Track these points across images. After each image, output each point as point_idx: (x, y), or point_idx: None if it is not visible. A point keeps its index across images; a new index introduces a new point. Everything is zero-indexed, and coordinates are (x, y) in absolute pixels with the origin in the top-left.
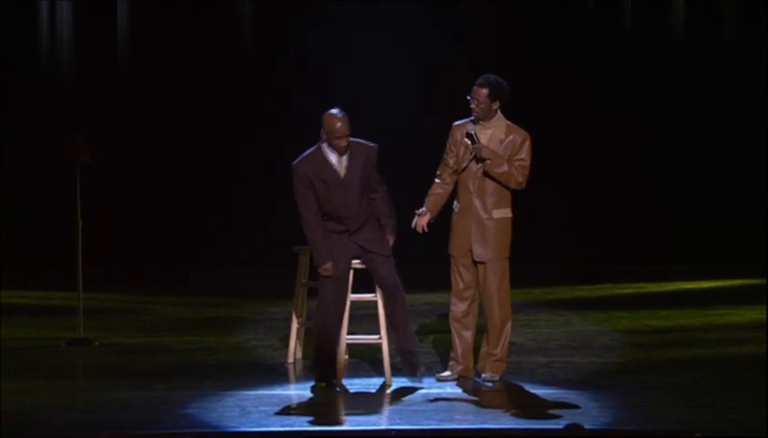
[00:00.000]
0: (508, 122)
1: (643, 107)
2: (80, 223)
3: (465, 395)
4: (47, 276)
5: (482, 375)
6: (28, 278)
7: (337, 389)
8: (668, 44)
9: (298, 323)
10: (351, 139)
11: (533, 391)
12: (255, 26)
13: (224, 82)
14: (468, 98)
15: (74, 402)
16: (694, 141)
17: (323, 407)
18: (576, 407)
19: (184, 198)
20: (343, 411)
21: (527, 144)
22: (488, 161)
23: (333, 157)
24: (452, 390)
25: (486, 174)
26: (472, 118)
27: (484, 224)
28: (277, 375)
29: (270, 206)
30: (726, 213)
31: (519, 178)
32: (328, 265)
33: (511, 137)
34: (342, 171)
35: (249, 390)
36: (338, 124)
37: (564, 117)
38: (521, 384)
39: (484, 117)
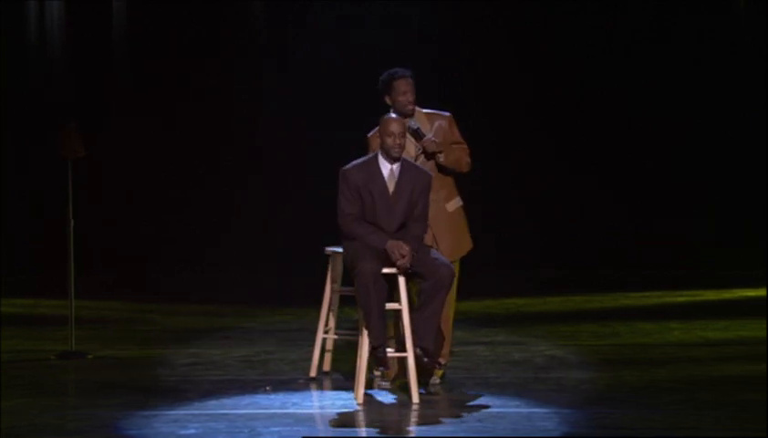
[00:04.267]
0: (424, 110)
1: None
2: (72, 222)
3: (505, 417)
4: (35, 281)
5: (432, 380)
6: (14, 284)
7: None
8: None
9: (324, 333)
10: (407, 158)
11: (575, 409)
12: (260, 21)
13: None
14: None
15: (64, 422)
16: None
17: (342, 427)
18: (623, 427)
19: (185, 195)
20: (364, 432)
21: (454, 124)
22: (440, 155)
23: (386, 169)
24: (485, 409)
25: (439, 168)
26: (409, 113)
27: (443, 220)
28: (292, 392)
29: (282, 204)
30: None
31: (468, 159)
32: (392, 244)
33: (437, 123)
34: (392, 187)
35: (260, 408)
36: (393, 124)
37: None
38: (561, 402)
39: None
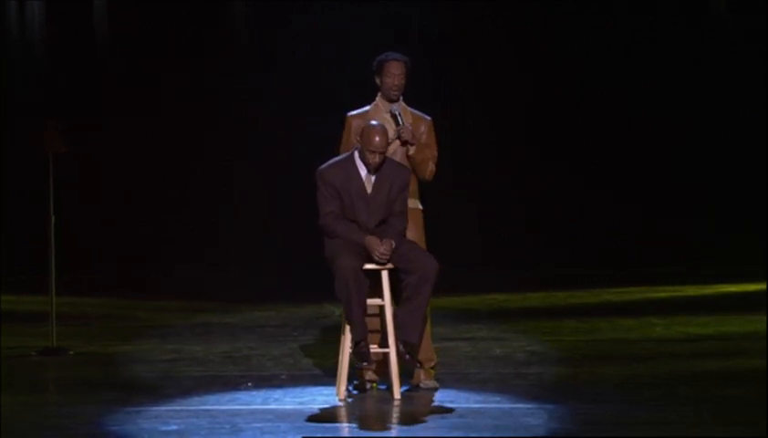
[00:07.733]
0: (410, 109)
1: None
2: (53, 219)
3: (486, 412)
4: (17, 278)
5: (422, 384)
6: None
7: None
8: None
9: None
10: (386, 156)
11: (556, 405)
12: (246, 19)
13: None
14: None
15: (45, 419)
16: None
17: (322, 422)
18: (603, 423)
19: (183, 195)
20: (345, 428)
21: (432, 130)
22: (411, 146)
23: (363, 170)
24: (467, 405)
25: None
26: (393, 98)
27: None
28: (274, 388)
29: (281, 204)
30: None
31: (433, 168)
32: (371, 240)
33: (417, 123)
34: (369, 186)
35: (241, 404)
36: (376, 138)
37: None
38: (542, 397)
39: (400, 97)
